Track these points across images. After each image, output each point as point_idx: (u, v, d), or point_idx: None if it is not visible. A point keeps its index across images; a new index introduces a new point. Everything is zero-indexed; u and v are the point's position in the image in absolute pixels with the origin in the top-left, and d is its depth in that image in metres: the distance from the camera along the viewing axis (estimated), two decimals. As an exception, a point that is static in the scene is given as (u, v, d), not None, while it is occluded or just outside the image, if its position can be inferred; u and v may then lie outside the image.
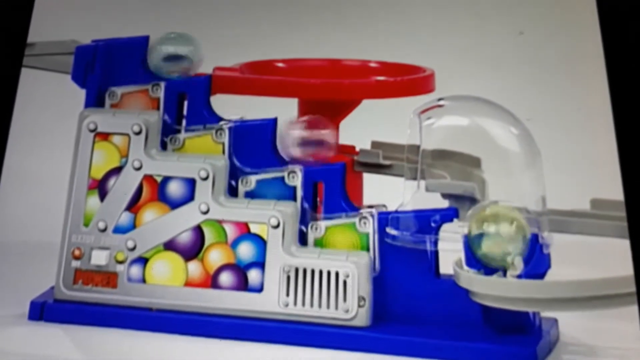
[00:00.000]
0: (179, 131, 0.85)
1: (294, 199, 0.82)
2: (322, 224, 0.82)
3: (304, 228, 0.82)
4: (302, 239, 0.82)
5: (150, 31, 0.88)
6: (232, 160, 0.84)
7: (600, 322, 0.81)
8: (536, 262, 0.77)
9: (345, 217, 0.82)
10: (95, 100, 0.86)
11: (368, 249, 0.81)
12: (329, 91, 0.89)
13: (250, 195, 0.83)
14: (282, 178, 0.83)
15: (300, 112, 0.91)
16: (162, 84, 0.86)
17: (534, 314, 0.79)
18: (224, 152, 0.84)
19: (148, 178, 0.83)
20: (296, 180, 0.83)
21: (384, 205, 0.82)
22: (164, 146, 0.85)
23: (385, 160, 0.93)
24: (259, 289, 0.81)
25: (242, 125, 0.84)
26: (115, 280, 0.82)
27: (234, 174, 0.84)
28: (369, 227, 0.81)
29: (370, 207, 0.82)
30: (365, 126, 0.93)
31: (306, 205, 0.82)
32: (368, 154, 0.94)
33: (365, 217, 0.81)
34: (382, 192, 0.86)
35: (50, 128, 0.95)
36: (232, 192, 0.83)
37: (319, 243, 0.82)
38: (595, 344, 0.81)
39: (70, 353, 0.79)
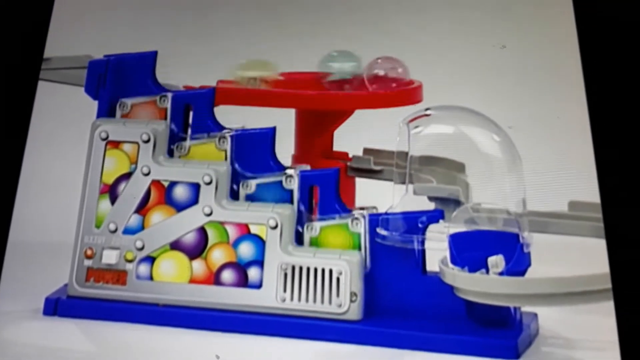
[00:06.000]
0: (184, 139, 0.85)
1: (291, 201, 0.83)
2: (317, 225, 0.82)
3: (300, 228, 0.82)
4: (299, 239, 0.82)
5: (158, 47, 0.88)
6: (233, 166, 0.84)
7: (578, 316, 0.80)
8: (517, 260, 0.77)
9: (339, 218, 0.82)
10: (106, 111, 0.86)
11: (360, 248, 0.81)
12: (324, 102, 0.90)
13: (250, 198, 0.83)
14: (280, 182, 0.83)
15: (297, 121, 0.91)
16: (169, 95, 0.86)
17: (515, 308, 0.79)
18: (226, 158, 0.84)
19: (156, 183, 0.83)
20: (293, 184, 0.83)
21: (375, 207, 0.82)
22: (170, 153, 0.85)
23: (376, 165, 0.93)
24: (258, 286, 0.81)
25: (243, 134, 0.84)
26: (124, 277, 0.82)
27: (236, 178, 0.84)
28: (361, 227, 0.81)
29: (362, 208, 0.82)
30: (357, 134, 0.93)
31: (302, 207, 0.83)
32: (360, 160, 0.94)
33: (357, 218, 0.81)
34: (373, 195, 0.87)
35: (65, 137, 0.94)
36: (234, 195, 0.83)
37: (314, 242, 0.82)
38: (573, 337, 0.80)
39: (82, 346, 0.80)
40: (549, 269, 0.78)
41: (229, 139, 0.84)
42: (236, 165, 0.84)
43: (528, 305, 0.78)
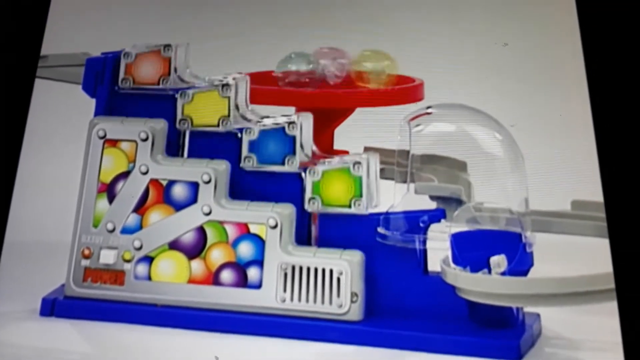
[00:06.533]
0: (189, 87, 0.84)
1: (294, 148, 0.82)
2: (320, 169, 0.81)
3: (303, 173, 0.81)
4: (299, 238, 0.82)
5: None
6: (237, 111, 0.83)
7: (581, 317, 0.80)
8: (520, 260, 0.78)
9: (341, 162, 0.81)
10: (104, 109, 0.86)
11: (361, 192, 0.80)
12: (325, 100, 0.89)
13: (253, 144, 0.83)
14: (283, 128, 0.82)
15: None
16: (174, 45, 0.85)
17: (517, 309, 0.79)
18: (229, 105, 0.83)
19: (154, 182, 0.83)
20: (296, 130, 0.82)
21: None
22: (173, 100, 0.84)
23: (377, 164, 0.93)
24: (258, 286, 0.80)
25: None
26: (122, 278, 0.82)
27: (238, 122, 0.83)
28: (362, 171, 0.80)
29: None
30: (358, 132, 0.93)
31: (304, 153, 0.82)
32: (361, 158, 0.93)
33: (358, 162, 0.81)
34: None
35: (62, 135, 0.94)
36: (237, 142, 0.82)
37: (316, 186, 0.81)
38: (576, 337, 0.80)
39: (80, 347, 0.79)
40: (552, 268, 0.78)
41: (232, 87, 0.83)
42: (239, 112, 0.83)
43: (530, 306, 0.78)
